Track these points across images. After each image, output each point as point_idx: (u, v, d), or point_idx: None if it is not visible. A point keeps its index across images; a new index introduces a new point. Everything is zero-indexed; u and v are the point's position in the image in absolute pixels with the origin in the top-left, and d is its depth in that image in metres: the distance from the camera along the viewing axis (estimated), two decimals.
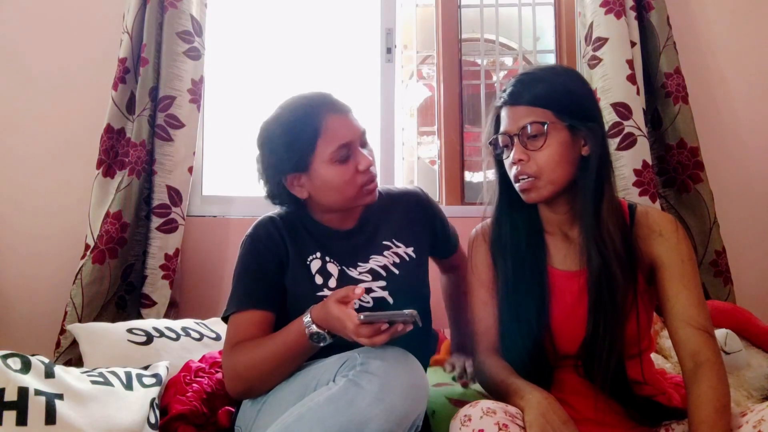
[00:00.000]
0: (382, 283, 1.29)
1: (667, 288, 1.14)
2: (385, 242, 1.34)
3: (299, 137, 1.22)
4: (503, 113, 1.19)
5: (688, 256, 1.15)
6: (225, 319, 1.26)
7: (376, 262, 1.31)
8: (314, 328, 1.10)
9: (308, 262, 1.28)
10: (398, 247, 1.34)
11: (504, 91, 1.21)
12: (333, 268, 1.29)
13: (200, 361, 1.52)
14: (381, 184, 1.39)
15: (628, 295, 1.13)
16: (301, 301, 1.23)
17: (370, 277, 1.29)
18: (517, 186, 1.18)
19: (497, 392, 1.12)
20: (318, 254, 1.30)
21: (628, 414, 1.14)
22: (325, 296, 1.21)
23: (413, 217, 1.39)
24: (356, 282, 1.27)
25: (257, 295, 1.24)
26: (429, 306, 1.39)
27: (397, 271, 1.31)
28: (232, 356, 1.19)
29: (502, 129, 1.19)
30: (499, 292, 1.23)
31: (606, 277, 1.13)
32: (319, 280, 1.27)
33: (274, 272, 1.27)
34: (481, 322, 1.24)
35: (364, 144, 1.27)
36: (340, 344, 1.13)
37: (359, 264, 1.30)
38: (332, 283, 1.27)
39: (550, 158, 1.14)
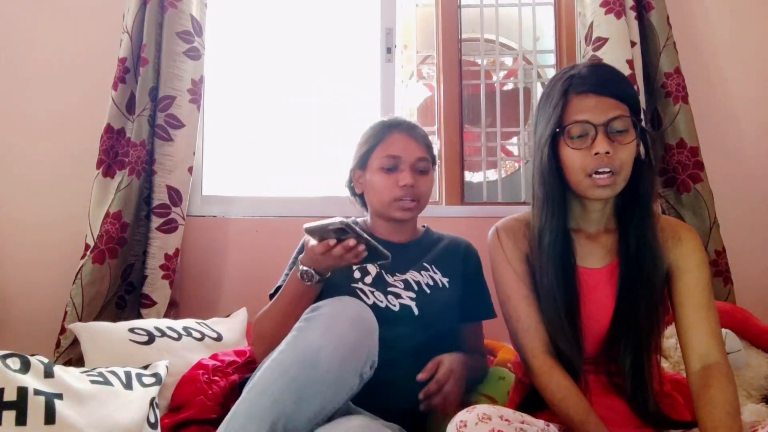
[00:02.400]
0: (412, 294, 1.36)
1: (681, 291, 1.17)
2: (425, 264, 1.43)
3: (368, 140, 1.45)
4: (582, 101, 1.12)
5: (703, 263, 1.19)
6: (271, 297, 1.38)
7: (412, 276, 1.39)
8: (303, 267, 1.22)
9: None
10: (435, 273, 1.42)
11: (574, 77, 1.14)
12: (372, 269, 1.39)
13: (212, 358, 1.52)
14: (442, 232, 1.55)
15: (655, 292, 1.16)
16: (335, 287, 1.30)
17: (402, 286, 1.37)
18: (594, 179, 1.11)
19: (569, 426, 1.09)
20: None
21: (637, 413, 1.14)
22: (359, 288, 1.34)
23: (456, 259, 1.47)
24: (389, 285, 1.37)
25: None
26: (457, 335, 1.44)
27: (428, 291, 1.38)
28: (257, 322, 1.33)
29: (581, 117, 1.11)
30: (537, 289, 1.20)
31: (638, 272, 1.15)
32: (357, 273, 1.38)
33: None
34: (528, 319, 1.19)
35: (420, 170, 1.41)
36: None
37: (396, 274, 1.39)
38: (368, 279, 1.37)
39: (630, 155, 1.12)
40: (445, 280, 1.42)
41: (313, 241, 1.17)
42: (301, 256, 1.25)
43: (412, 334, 1.32)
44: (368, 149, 1.43)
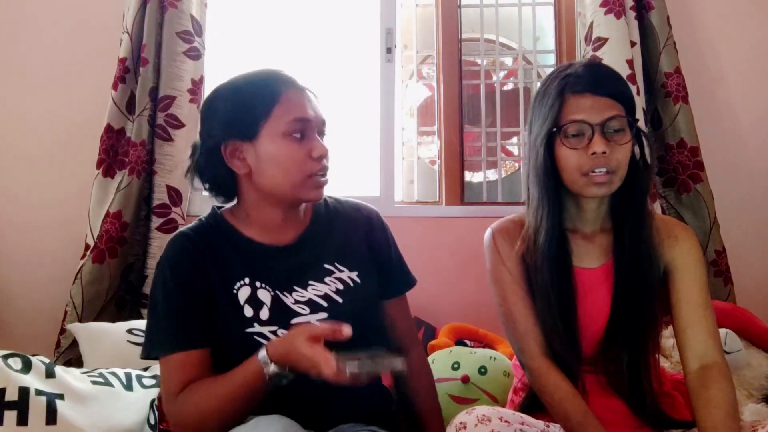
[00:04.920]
0: (323, 315, 1.11)
1: (678, 291, 1.17)
2: (326, 266, 1.16)
3: (253, 100, 1.09)
4: (578, 100, 1.11)
5: (699, 262, 1.18)
6: (148, 358, 1.12)
7: (315, 290, 1.13)
8: (273, 368, 0.96)
9: (235, 291, 1.11)
10: (341, 271, 1.17)
11: (571, 76, 1.13)
12: (265, 295, 1.11)
13: None
14: (339, 196, 1.29)
15: (651, 292, 1.16)
16: (227, 339, 1.09)
17: (307, 310, 1.12)
18: (591, 176, 1.11)
19: (567, 427, 1.09)
20: (246, 279, 1.12)
21: (635, 413, 1.15)
22: (257, 333, 1.08)
23: (360, 237, 1.23)
24: (291, 314, 1.11)
25: (192, 332, 1.08)
26: (384, 333, 1.25)
27: (340, 299, 1.14)
28: (180, 404, 1.05)
29: (577, 117, 1.10)
30: (533, 290, 1.20)
31: (634, 272, 1.15)
32: (248, 311, 1.10)
33: (204, 302, 1.10)
34: (524, 321, 1.18)
35: (323, 133, 1.15)
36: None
37: (296, 289, 1.13)
38: (264, 314, 1.09)
39: (626, 155, 1.13)
40: (354, 275, 1.17)
41: (330, 365, 0.90)
42: (270, 350, 0.98)
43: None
44: (260, 112, 1.08)
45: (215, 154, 1.12)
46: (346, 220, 1.23)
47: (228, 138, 1.10)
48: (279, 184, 1.10)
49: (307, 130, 1.10)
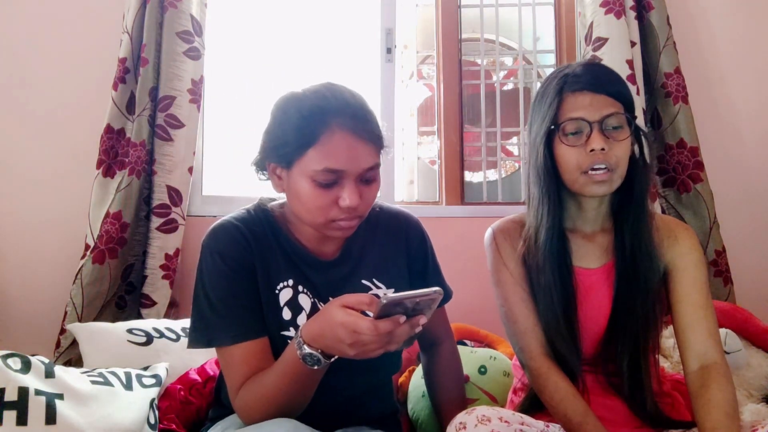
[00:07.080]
0: None
1: (678, 291, 1.17)
2: (364, 281, 1.17)
3: (293, 133, 1.04)
4: (577, 99, 1.12)
5: (700, 262, 1.18)
6: (200, 347, 1.09)
7: None
8: (306, 349, 0.94)
9: (277, 291, 1.11)
10: (378, 288, 1.17)
11: (569, 75, 1.13)
12: (305, 301, 1.12)
13: (198, 371, 1.50)
14: (381, 202, 1.27)
15: (651, 292, 1.16)
16: None
17: None
18: (590, 175, 1.11)
19: (568, 427, 1.09)
20: (290, 281, 1.12)
21: (635, 413, 1.15)
22: (291, 337, 1.04)
23: (399, 248, 1.22)
24: None
25: (251, 321, 1.07)
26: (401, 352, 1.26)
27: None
28: (242, 397, 1.04)
29: (576, 114, 1.11)
30: (534, 289, 1.20)
31: (634, 272, 1.16)
32: (287, 314, 1.10)
33: (256, 292, 1.10)
34: (525, 321, 1.18)
35: (367, 179, 1.06)
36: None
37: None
38: (302, 319, 1.09)
39: (625, 152, 1.13)
40: (390, 293, 1.09)
41: (363, 319, 0.87)
42: (303, 330, 0.96)
43: (361, 378, 1.13)
44: (296, 147, 1.04)
45: (265, 164, 1.14)
46: (386, 232, 1.23)
47: (270, 158, 1.10)
48: (301, 216, 1.09)
49: (339, 178, 1.03)
